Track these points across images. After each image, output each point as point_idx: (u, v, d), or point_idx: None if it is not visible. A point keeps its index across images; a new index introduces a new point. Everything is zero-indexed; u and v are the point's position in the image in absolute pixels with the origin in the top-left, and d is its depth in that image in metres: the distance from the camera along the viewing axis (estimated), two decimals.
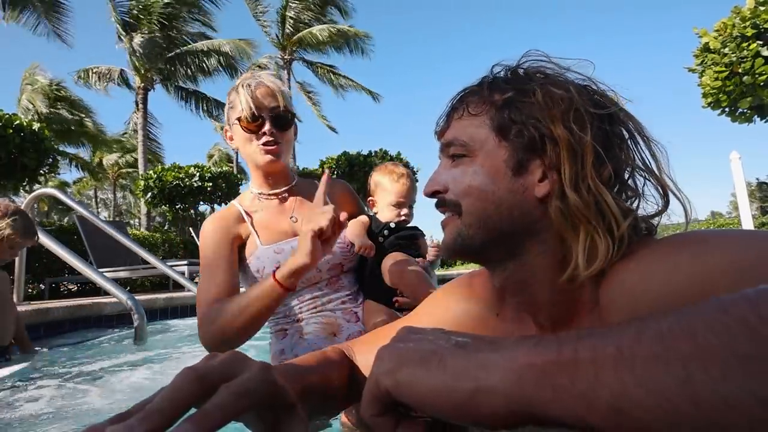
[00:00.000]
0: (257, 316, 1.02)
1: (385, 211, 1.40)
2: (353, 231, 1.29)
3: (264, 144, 1.21)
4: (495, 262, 0.60)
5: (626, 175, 0.57)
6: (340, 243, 1.27)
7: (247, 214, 1.26)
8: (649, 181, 0.57)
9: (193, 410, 0.34)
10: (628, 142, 0.57)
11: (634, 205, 0.57)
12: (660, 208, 0.57)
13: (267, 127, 1.21)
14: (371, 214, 1.45)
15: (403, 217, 1.39)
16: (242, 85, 1.22)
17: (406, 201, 1.40)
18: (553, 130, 0.53)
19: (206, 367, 0.37)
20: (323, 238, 0.96)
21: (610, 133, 0.55)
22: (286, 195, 1.32)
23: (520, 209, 0.55)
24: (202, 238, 1.21)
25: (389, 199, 1.39)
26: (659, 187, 0.56)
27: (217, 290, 1.10)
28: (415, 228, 1.43)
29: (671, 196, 0.56)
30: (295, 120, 1.29)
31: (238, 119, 1.21)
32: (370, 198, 1.45)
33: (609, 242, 0.51)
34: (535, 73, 0.59)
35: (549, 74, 0.58)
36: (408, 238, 1.38)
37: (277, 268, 1.02)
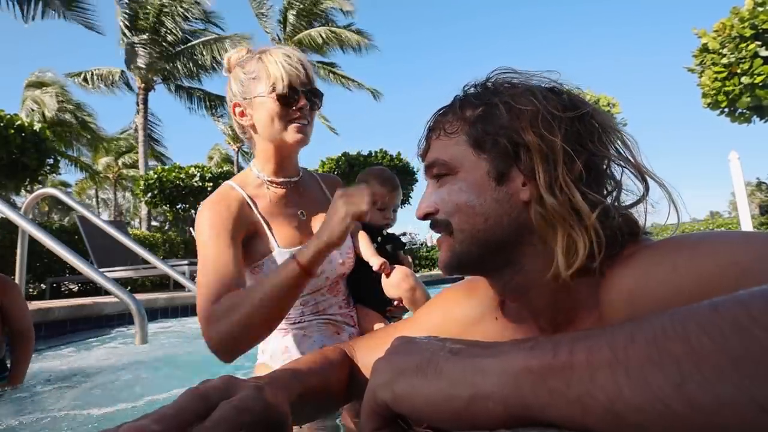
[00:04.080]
0: (276, 309, 0.92)
1: (373, 215, 1.39)
2: (366, 249, 1.28)
3: (296, 120, 1.10)
4: (493, 272, 0.61)
5: (604, 166, 0.58)
6: (348, 252, 1.25)
7: (253, 201, 1.14)
8: (628, 169, 0.58)
9: None
10: (601, 136, 0.58)
11: (615, 197, 0.57)
12: (642, 195, 0.58)
13: (303, 102, 1.10)
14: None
15: (387, 221, 1.42)
16: (269, 53, 1.11)
17: (391, 204, 1.42)
18: (524, 137, 0.55)
19: (206, 387, 0.40)
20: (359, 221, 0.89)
21: (581, 131, 0.57)
22: (293, 185, 1.23)
23: (509, 216, 0.57)
24: (200, 224, 1.05)
25: (377, 203, 1.38)
26: (637, 173, 0.58)
27: (223, 284, 0.95)
28: (400, 236, 1.47)
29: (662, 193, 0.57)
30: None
31: (273, 89, 1.08)
32: None
33: (586, 238, 0.52)
34: (502, 84, 0.61)
35: (515, 84, 0.60)
36: (399, 248, 1.42)
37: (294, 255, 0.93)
